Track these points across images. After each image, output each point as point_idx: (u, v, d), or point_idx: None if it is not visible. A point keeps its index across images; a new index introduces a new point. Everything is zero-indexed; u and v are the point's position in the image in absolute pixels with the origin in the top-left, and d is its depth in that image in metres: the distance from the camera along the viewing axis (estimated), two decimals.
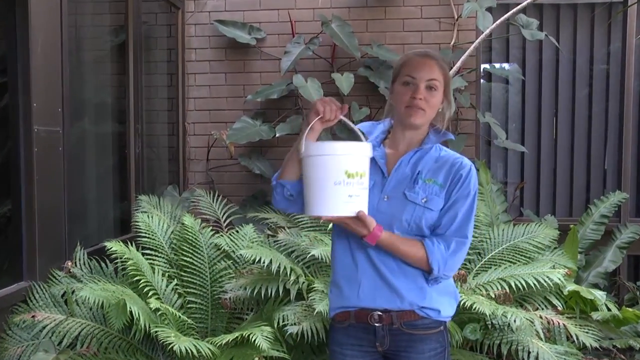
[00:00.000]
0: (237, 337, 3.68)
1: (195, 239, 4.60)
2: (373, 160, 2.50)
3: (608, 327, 4.67)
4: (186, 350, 3.45)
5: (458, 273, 4.41)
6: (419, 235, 2.51)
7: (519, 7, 5.73)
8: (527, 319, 4.11)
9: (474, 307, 3.95)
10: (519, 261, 4.81)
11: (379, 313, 2.53)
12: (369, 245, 2.48)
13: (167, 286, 4.32)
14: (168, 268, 4.48)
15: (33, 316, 3.74)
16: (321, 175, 2.31)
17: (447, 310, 2.60)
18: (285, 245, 4.68)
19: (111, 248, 4.12)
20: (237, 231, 4.85)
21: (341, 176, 2.28)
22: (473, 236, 4.57)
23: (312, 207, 2.36)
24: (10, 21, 3.84)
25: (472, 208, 2.54)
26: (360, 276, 2.55)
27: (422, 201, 2.50)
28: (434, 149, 2.62)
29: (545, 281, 4.34)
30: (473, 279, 4.61)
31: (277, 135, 5.84)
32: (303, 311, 4.03)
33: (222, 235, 4.79)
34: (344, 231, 2.55)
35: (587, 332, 4.27)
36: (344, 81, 5.74)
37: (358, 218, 2.36)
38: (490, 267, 4.76)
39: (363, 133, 2.66)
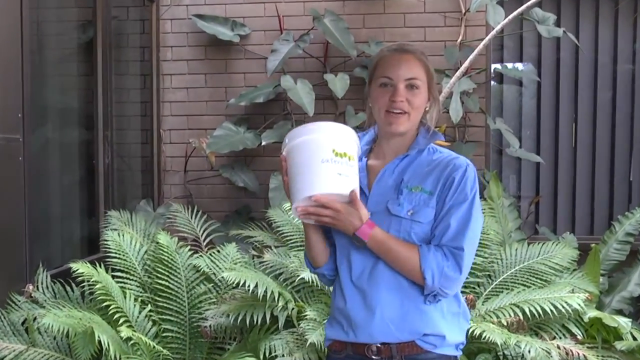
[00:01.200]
0: None
1: (172, 259, 4.62)
2: None
3: (633, 358, 4.68)
4: None
5: (466, 297, 4.43)
6: None
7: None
8: (543, 349, 4.12)
9: (484, 335, 3.97)
10: (533, 284, 4.83)
11: (378, 345, 2.51)
12: (361, 245, 2.44)
13: (140, 312, 4.34)
14: (141, 292, 4.50)
15: None
16: (306, 155, 2.34)
17: (454, 335, 2.55)
18: (273, 267, 4.71)
19: (77, 270, 4.13)
20: (219, 251, 4.88)
21: (328, 154, 2.32)
22: (482, 257, 4.60)
23: (298, 191, 2.36)
24: None
25: (470, 215, 2.45)
26: (349, 310, 2.54)
27: (408, 214, 2.45)
28: (427, 151, 2.58)
29: (563, 307, 4.36)
30: (482, 305, 4.63)
31: (263, 143, 5.87)
32: (295, 340, 4.05)
33: (201, 256, 4.81)
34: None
35: None
36: (338, 83, 5.79)
37: (351, 201, 2.36)
38: (502, 292, 4.78)
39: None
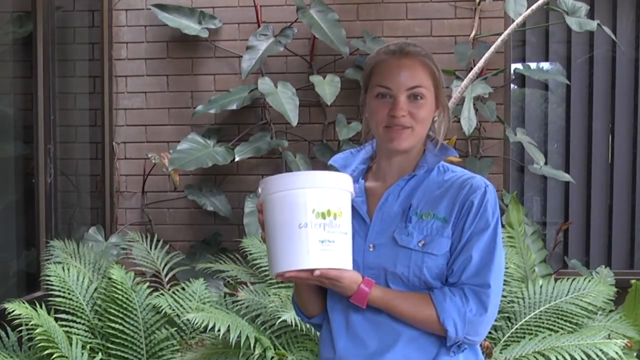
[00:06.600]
0: None
1: (127, 299, 4.64)
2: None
3: None
4: None
5: (481, 345, 4.46)
6: (426, 290, 2.47)
7: None
8: None
9: None
10: (562, 329, 4.87)
11: None
12: (359, 308, 2.45)
13: None
14: (90, 338, 4.52)
15: None
16: (283, 218, 2.32)
17: None
18: (248, 307, 4.73)
19: (13, 311, 4.14)
20: (183, 288, 4.92)
21: (307, 216, 2.28)
22: (501, 295, 4.62)
23: (275, 263, 2.36)
24: None
25: (495, 243, 2.46)
26: None
27: (418, 245, 2.43)
28: (436, 171, 2.57)
29: (597, 355, 4.39)
30: (501, 353, 4.66)
31: (236, 159, 5.87)
32: None
33: (162, 294, 4.84)
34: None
35: None
36: (327, 86, 5.80)
37: (331, 277, 2.34)
38: (524, 337, 4.81)
39: (337, 170, 2.61)
